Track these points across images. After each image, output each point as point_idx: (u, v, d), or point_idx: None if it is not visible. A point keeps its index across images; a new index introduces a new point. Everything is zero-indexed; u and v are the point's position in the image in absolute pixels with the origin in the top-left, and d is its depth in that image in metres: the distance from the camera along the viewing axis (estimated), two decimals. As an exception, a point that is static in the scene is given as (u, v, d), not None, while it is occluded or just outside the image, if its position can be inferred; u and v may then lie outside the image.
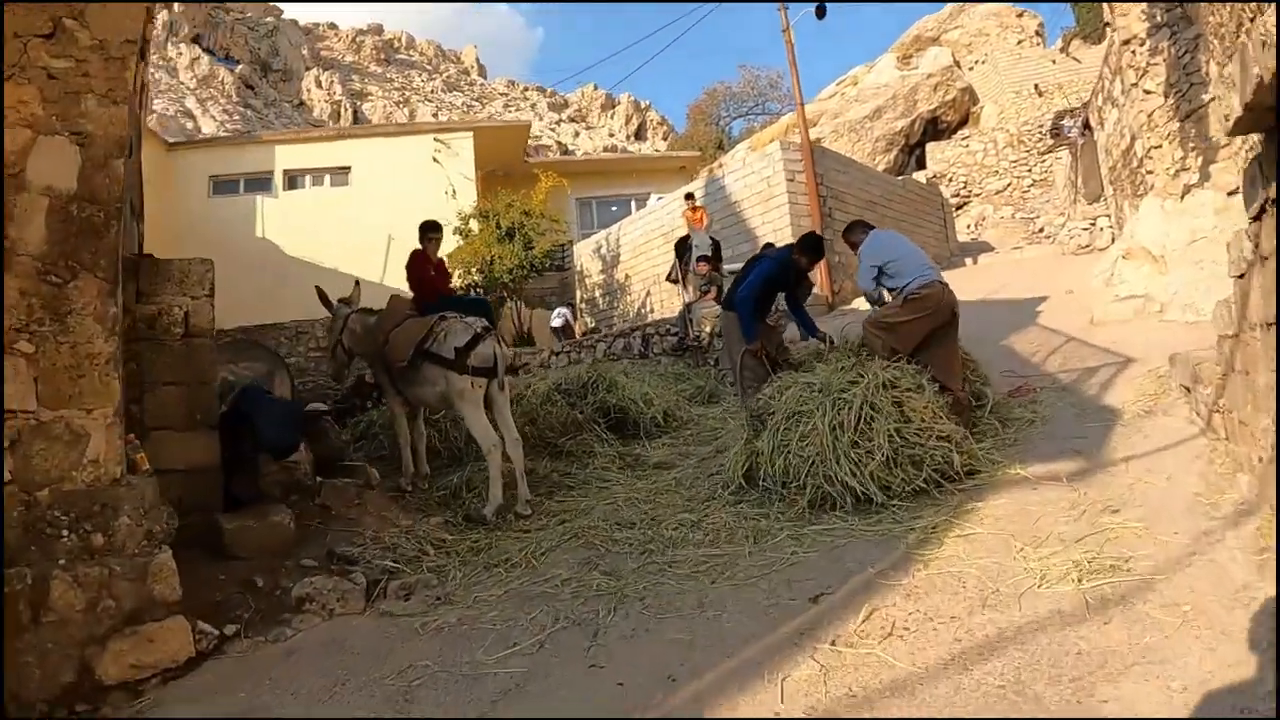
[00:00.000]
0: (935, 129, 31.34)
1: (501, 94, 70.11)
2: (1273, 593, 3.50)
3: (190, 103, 52.95)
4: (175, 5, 58.10)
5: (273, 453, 7.01)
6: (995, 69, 32.41)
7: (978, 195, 28.36)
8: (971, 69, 33.89)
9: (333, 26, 70.05)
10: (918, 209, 20.81)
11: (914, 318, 6.92)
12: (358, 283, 9.42)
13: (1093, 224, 16.96)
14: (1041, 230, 22.86)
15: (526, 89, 72.47)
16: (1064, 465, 5.95)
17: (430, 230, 9.26)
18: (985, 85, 32.64)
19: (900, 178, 22.03)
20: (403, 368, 7.66)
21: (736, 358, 8.20)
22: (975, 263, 19.74)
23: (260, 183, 24.06)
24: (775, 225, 16.18)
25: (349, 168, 24.10)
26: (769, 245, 15.90)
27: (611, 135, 65.31)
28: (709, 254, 15.11)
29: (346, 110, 59.43)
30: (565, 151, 52.20)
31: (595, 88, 70.85)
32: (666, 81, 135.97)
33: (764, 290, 8.08)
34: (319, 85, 60.88)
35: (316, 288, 8.82)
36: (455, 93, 67.51)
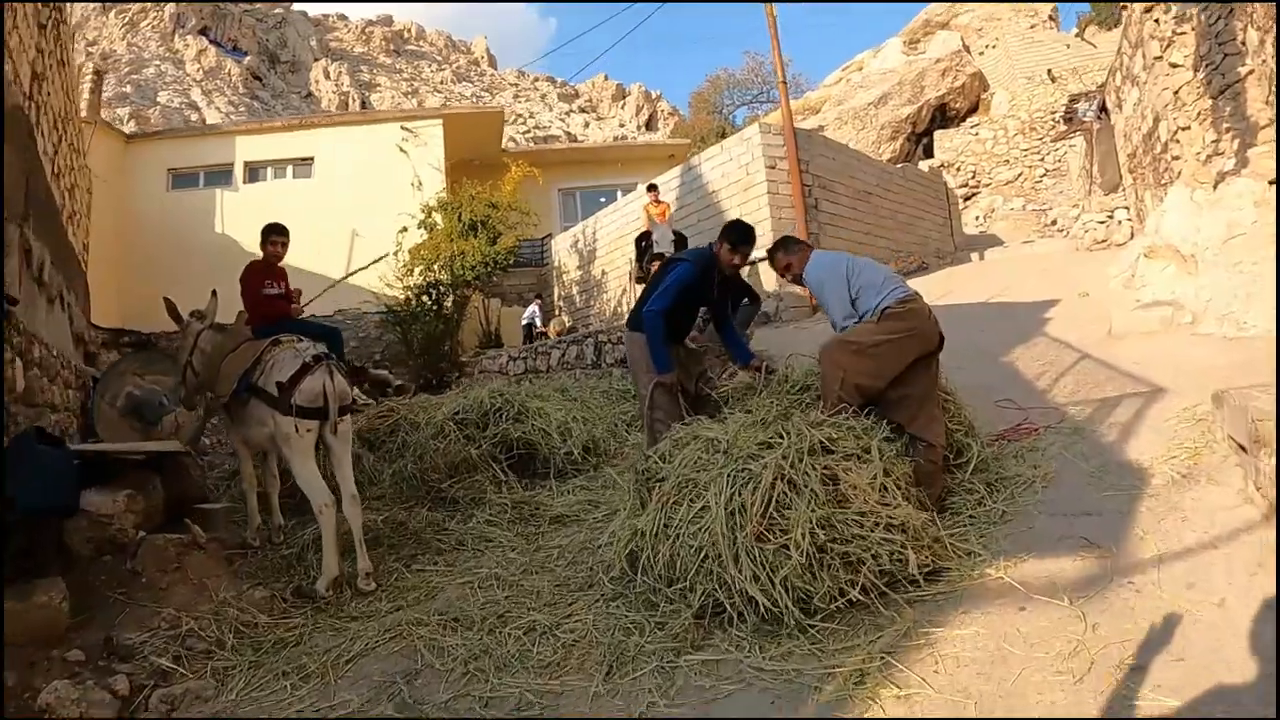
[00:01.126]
0: (944, 116, 29.25)
1: (511, 84, 68.99)
2: None
3: (196, 95, 51.93)
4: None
5: (34, 516, 5.23)
6: (1007, 54, 30.29)
7: (987, 185, 26.25)
8: (982, 54, 31.73)
9: (342, 18, 69.27)
10: (918, 199, 18.74)
11: (894, 338, 4.96)
12: (214, 293, 7.45)
13: (1110, 217, 14.96)
14: (1054, 223, 20.97)
15: (537, 79, 71.31)
16: (1068, 564, 4.02)
17: (272, 234, 7.62)
18: (996, 71, 30.50)
19: (900, 165, 20.03)
20: (231, 403, 6.28)
21: (645, 392, 6.09)
22: (982, 258, 17.75)
23: (221, 175, 22.43)
24: (754, 217, 14.25)
25: (311, 158, 22.41)
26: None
27: (622, 125, 63.93)
28: (669, 250, 13.34)
29: (355, 101, 58.26)
30: (574, 142, 50.66)
31: (606, 78, 69.77)
32: (681, 72, 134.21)
33: (679, 301, 6.04)
34: (327, 76, 59.94)
35: (165, 299, 7.16)
36: (465, 83, 66.52)
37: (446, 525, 6.84)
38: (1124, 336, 7.88)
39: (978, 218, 24.89)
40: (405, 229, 18.87)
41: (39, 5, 11.82)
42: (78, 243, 17.09)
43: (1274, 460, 3.86)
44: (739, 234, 6.10)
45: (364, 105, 57.86)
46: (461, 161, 22.82)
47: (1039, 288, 11.96)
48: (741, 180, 14.74)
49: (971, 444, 5.32)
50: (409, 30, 70.90)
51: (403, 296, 18.71)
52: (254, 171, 22.62)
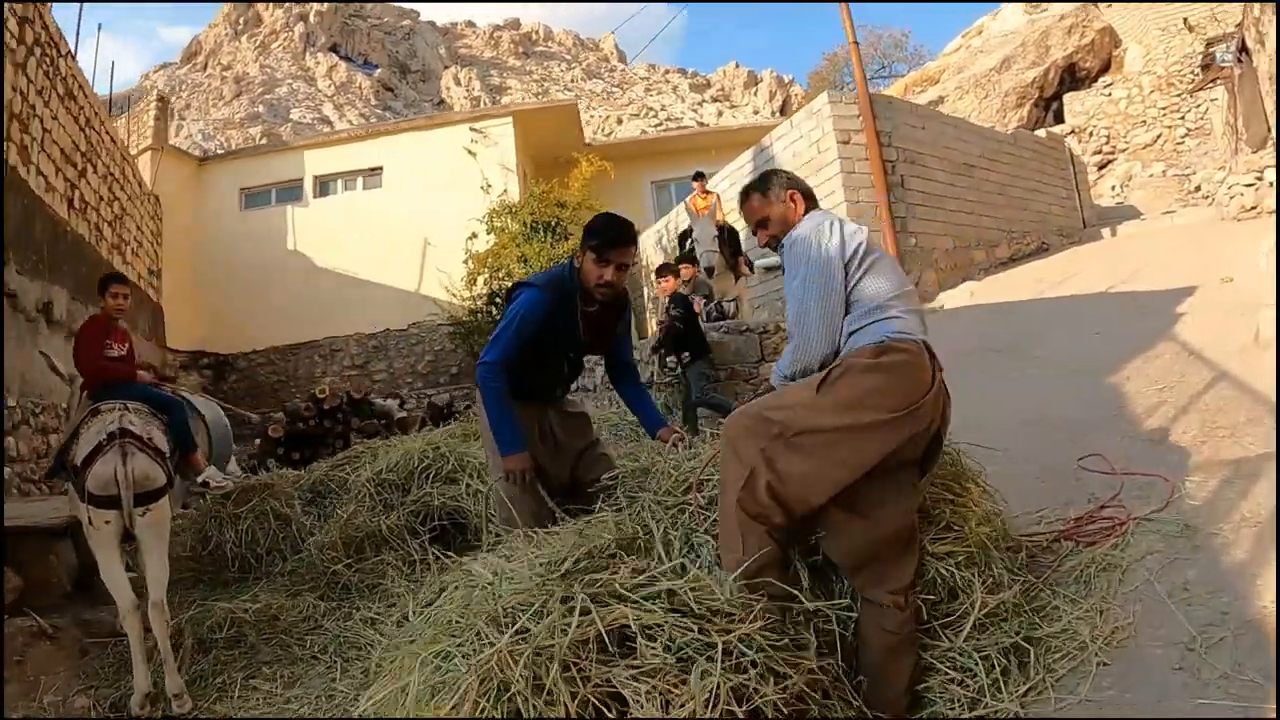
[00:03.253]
0: (1073, 78, 25.88)
1: (642, 78, 67.43)
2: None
3: (328, 109, 51.98)
4: (310, 18, 57.44)
5: None
6: (1137, 4, 26.50)
7: (1123, 151, 22.81)
8: (1110, 6, 28.14)
9: (470, 24, 68.97)
10: (1035, 170, 15.75)
11: (866, 422, 2.76)
12: None
13: (1258, 178, 12.01)
14: (1198, 189, 17.91)
15: (668, 72, 69.60)
16: None
17: (111, 284, 6.13)
18: (1127, 23, 26.51)
19: (1011, 131, 17.14)
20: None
21: (496, 483, 4.08)
22: (1114, 234, 15.08)
23: (291, 191, 21.47)
24: (829, 202, 12.02)
25: (380, 168, 21.07)
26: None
27: (756, 112, 61.52)
28: (708, 251, 11.41)
29: (486, 105, 57.54)
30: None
31: (737, 66, 67.48)
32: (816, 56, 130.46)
33: (527, 344, 3.88)
34: (457, 83, 59.44)
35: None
36: (595, 80, 65.28)
37: (323, 622, 5.26)
38: (1274, 345, 5.48)
39: (1114, 187, 21.74)
40: (474, 234, 17.30)
41: (13, 48, 10.86)
42: (133, 270, 16.30)
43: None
44: (601, 234, 3.87)
45: (495, 110, 57.15)
46: (545, 160, 21.19)
47: (1175, 270, 9.62)
48: (813, 159, 12.48)
49: (974, 581, 2.96)
50: (536, 32, 70.07)
51: (468, 307, 17.11)
52: (324, 185, 21.54)
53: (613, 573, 2.49)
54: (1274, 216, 10.48)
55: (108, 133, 14.74)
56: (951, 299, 11.69)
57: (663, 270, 9.90)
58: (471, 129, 20.22)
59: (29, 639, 5.17)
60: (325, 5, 57.93)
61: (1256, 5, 11.11)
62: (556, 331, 3.93)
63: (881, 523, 2.81)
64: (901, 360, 2.81)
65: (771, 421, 2.83)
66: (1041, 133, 18.56)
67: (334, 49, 57.67)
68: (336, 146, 21.82)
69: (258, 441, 11.42)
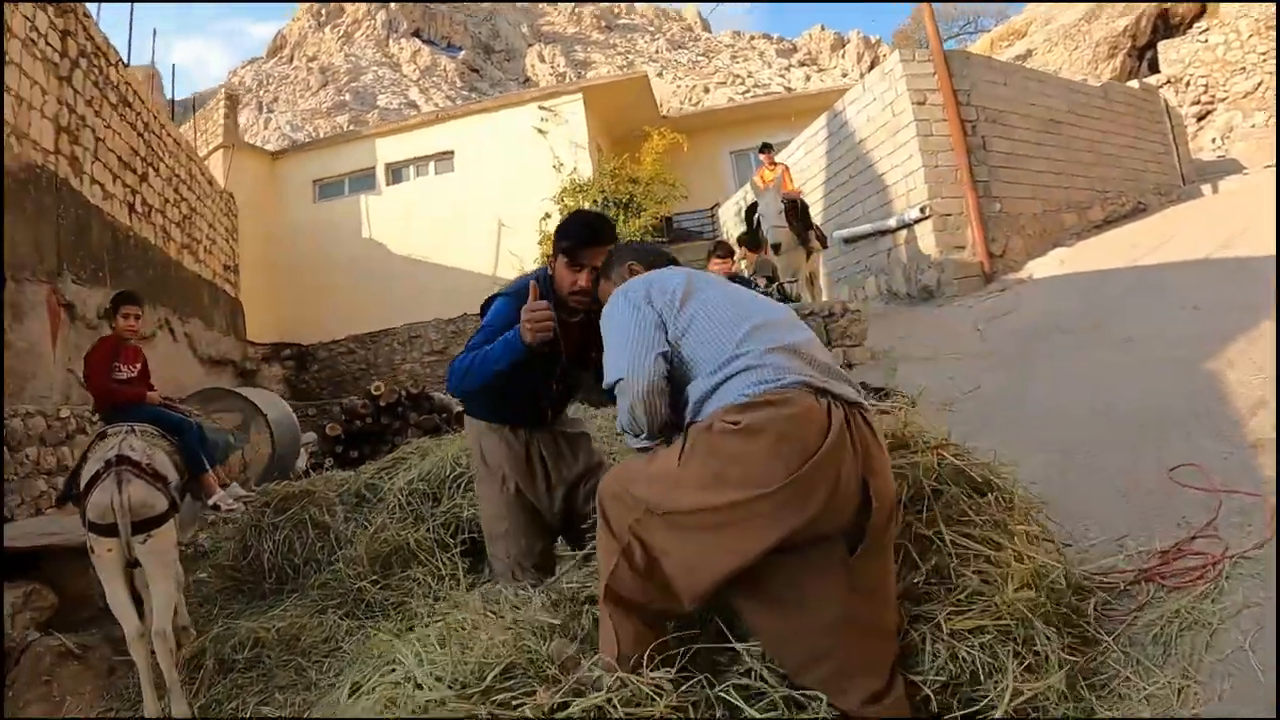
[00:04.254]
0: (1166, 25, 24.48)
1: (727, 45, 66.34)
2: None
3: (413, 94, 52.14)
4: (391, 5, 57.75)
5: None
6: (1230, -58, 24.87)
7: (1223, 100, 21.44)
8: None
9: (551, 1, 68.32)
10: (1128, 124, 14.55)
11: (730, 503, 2.16)
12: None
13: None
14: (1306, 138, 16.48)
15: (753, 38, 68.29)
16: None
17: (123, 304, 5.81)
18: None
19: (1101, 83, 16.04)
20: None
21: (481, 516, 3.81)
22: (1215, 190, 13.96)
23: (364, 181, 21.41)
24: (905, 168, 11.36)
25: (451, 152, 20.72)
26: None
27: (845, 75, 60.11)
28: (774, 226, 10.30)
29: (571, 81, 57.24)
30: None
31: (823, 29, 65.93)
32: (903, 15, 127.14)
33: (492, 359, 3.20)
34: (542, 60, 59.16)
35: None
36: (680, 50, 64.41)
37: (344, 643, 4.87)
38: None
39: (1214, 140, 20.36)
40: (548, 215, 16.93)
41: (55, 61, 10.83)
42: (207, 269, 16.38)
43: None
44: (573, 234, 3.31)
45: (578, 87, 56.86)
46: (620, 135, 20.60)
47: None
48: (888, 123, 11.75)
49: (1014, 657, 2.31)
50: (618, 6, 69.43)
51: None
52: (396, 172, 21.37)
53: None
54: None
55: (170, 135, 14.79)
56: (1041, 267, 10.90)
57: (718, 250, 8.64)
58: (541, 107, 19.72)
59: (56, 659, 5.04)
60: (404, -10, 58.17)
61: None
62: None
63: (808, 612, 2.23)
64: (771, 417, 2.16)
65: (636, 498, 2.31)
66: (1134, 84, 17.44)
67: (416, 34, 57.84)
68: (407, 133, 21.56)
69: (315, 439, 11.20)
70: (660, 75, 50.93)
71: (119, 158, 12.30)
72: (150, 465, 4.73)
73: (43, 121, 10.31)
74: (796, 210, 10.76)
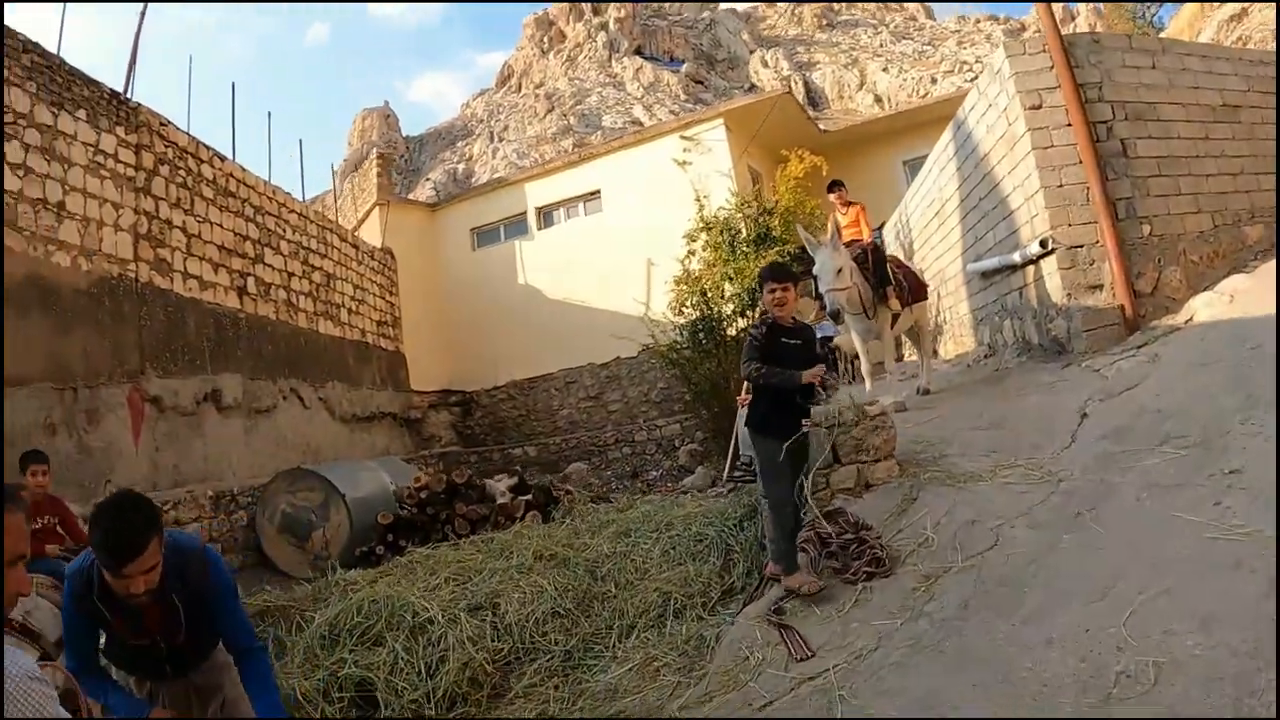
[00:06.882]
0: None
1: (953, 32, 62.61)
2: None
3: (638, 111, 52.11)
4: (610, 25, 58.05)
5: None
6: None
7: None
8: None
9: (770, 4, 66.75)
10: None
11: None
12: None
13: None
14: None
15: (979, 21, 64.18)
16: None
17: (30, 463, 6.43)
18: None
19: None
20: None
21: None
22: None
23: (517, 226, 21.21)
24: (1025, 189, 9.12)
25: (598, 191, 20.04)
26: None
27: (1073, 53, 55.59)
28: (838, 285, 7.72)
29: (797, 84, 55.58)
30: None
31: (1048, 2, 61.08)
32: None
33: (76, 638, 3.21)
34: (765, 65, 57.78)
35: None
36: (905, 41, 61.38)
37: None
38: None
39: None
40: (691, 252, 15.77)
41: (129, 176, 10.84)
42: (354, 329, 16.34)
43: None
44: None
45: (807, 86, 55.08)
46: (780, 157, 18.56)
47: None
48: (1005, 134, 9.33)
49: None
50: (838, 4, 67.04)
51: (673, 335, 15.56)
52: (546, 216, 20.95)
53: None
54: None
55: (293, 211, 14.68)
56: (1207, 306, 7.95)
57: (775, 274, 5.11)
58: (682, 137, 18.48)
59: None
60: (623, 12, 58.29)
61: None
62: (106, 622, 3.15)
63: None
64: None
65: None
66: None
67: (638, 51, 57.81)
68: (553, 176, 21.06)
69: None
70: (885, 70, 48.75)
71: (220, 247, 12.29)
72: (26, 620, 4.49)
73: (118, 234, 10.39)
74: (869, 262, 8.73)
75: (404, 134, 53.87)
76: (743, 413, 8.21)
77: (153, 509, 2.96)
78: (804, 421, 5.03)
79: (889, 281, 8.69)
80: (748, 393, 6.22)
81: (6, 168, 8.86)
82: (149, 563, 2.89)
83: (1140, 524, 4.10)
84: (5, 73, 8.99)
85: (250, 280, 12.87)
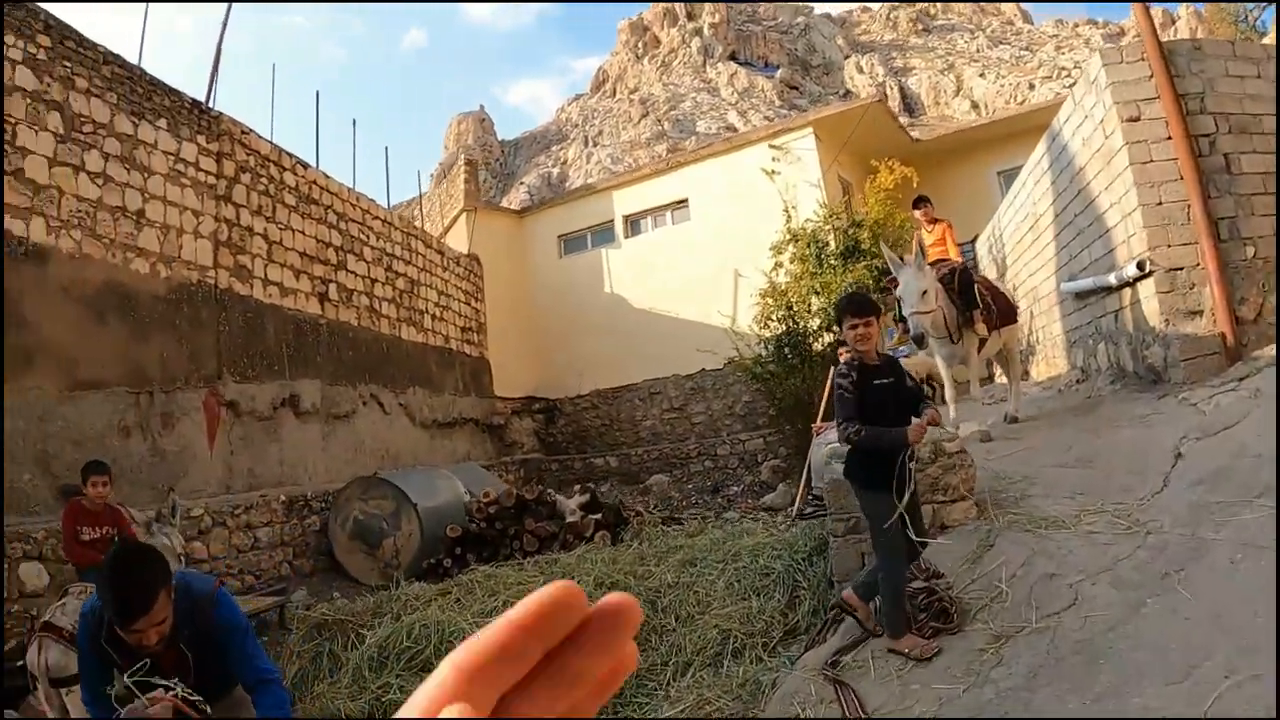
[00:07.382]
0: None
1: (1051, 36, 61.07)
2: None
3: (732, 116, 51.85)
4: (705, 30, 57.94)
5: None
6: None
7: None
8: None
9: (865, 9, 65.94)
10: None
11: None
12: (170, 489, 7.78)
13: None
14: None
15: (1076, 24, 62.52)
16: None
17: (91, 474, 6.39)
18: None
19: None
20: None
21: None
22: None
23: (604, 234, 20.99)
24: (1122, 207, 8.59)
25: (686, 200, 19.70)
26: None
27: (1173, 59, 53.79)
28: (923, 308, 7.40)
29: (893, 90, 54.77)
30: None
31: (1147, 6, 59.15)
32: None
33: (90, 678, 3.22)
34: (860, 70, 57.07)
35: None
36: (1002, 46, 60.04)
37: None
38: None
39: None
40: (779, 264, 15.46)
41: (209, 184, 11.05)
42: (437, 335, 16.46)
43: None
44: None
45: (902, 92, 54.28)
46: (871, 167, 17.64)
47: None
48: (1101, 147, 8.84)
49: None
50: (933, 7, 65.87)
51: (758, 349, 15.25)
52: (634, 224, 20.70)
53: None
54: None
55: (378, 218, 14.73)
56: None
57: (856, 307, 4.53)
58: (771, 146, 18.07)
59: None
60: (718, 17, 58.08)
61: None
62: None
63: None
64: None
65: None
66: None
67: (733, 57, 57.55)
68: (641, 184, 20.80)
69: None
70: (982, 75, 47.79)
71: (302, 254, 12.39)
72: (72, 632, 4.75)
73: (198, 242, 10.53)
74: (955, 283, 8.33)
75: (499, 138, 54.27)
76: (817, 441, 7.89)
77: (161, 562, 2.99)
78: (910, 465, 4.38)
79: (976, 304, 8.23)
80: (823, 419, 5.98)
81: (85, 176, 9.04)
82: (159, 616, 2.92)
83: (1233, 591, 3.72)
84: (84, 84, 9.19)
85: (332, 286, 12.97)
